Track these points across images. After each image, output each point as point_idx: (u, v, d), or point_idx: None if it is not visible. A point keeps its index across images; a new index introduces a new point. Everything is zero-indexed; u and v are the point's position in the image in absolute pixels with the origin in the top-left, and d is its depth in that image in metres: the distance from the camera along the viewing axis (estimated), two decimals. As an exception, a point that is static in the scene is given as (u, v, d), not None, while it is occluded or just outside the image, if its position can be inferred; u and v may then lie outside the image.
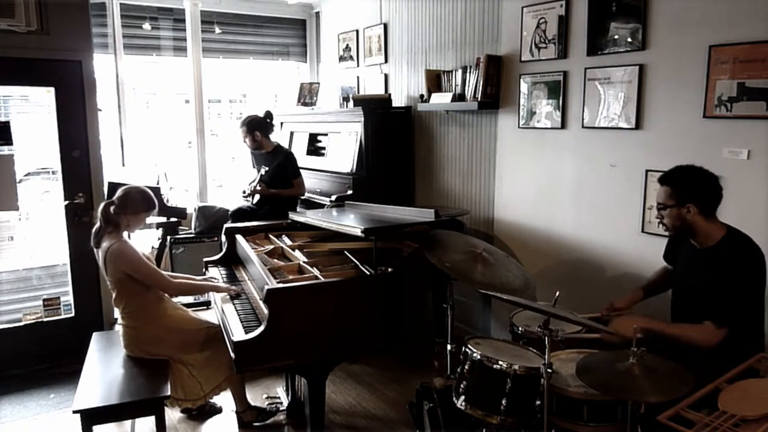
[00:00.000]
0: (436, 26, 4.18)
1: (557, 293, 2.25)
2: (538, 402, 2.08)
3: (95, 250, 2.88)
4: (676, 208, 2.20)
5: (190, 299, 4.29)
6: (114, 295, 2.85)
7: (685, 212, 2.19)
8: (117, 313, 2.91)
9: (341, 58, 5.29)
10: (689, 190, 2.19)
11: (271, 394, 3.40)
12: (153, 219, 4.13)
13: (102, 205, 2.85)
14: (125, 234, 2.89)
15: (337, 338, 2.51)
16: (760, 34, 2.43)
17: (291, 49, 5.86)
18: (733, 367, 1.94)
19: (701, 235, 2.23)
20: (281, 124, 5.45)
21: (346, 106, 4.64)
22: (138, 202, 2.86)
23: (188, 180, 5.36)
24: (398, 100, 4.60)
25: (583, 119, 3.20)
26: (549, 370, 2.00)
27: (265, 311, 2.40)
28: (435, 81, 4.10)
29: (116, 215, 2.81)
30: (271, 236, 3.38)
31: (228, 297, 2.90)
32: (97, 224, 2.86)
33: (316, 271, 2.70)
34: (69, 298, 3.94)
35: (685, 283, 2.33)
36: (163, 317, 2.88)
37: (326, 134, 4.88)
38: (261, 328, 2.36)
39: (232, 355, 2.37)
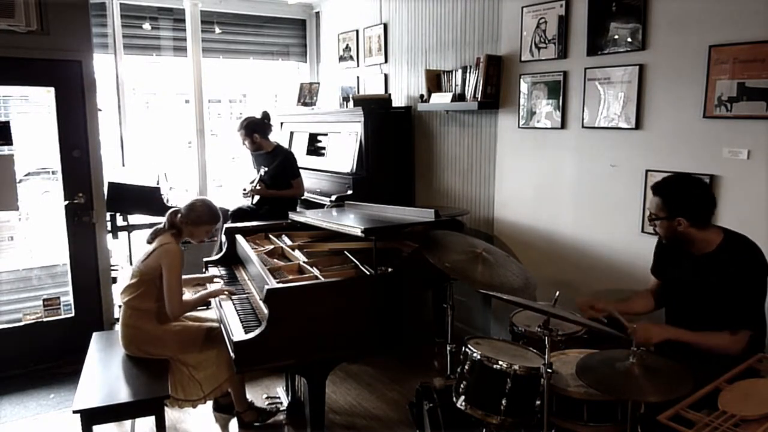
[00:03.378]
0: (436, 26, 4.18)
1: (557, 293, 2.25)
2: (538, 402, 2.08)
3: (147, 245, 2.94)
4: (666, 220, 2.18)
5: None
6: (130, 282, 2.86)
7: (675, 225, 2.16)
8: (117, 312, 2.91)
9: (341, 58, 5.29)
10: (678, 204, 2.15)
11: (271, 394, 3.40)
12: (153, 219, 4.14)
13: (170, 211, 2.96)
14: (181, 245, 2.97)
15: (337, 338, 2.51)
16: (760, 34, 2.43)
17: (291, 49, 5.86)
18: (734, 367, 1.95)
19: (697, 243, 2.21)
20: (281, 124, 5.45)
21: (346, 106, 4.64)
22: (202, 215, 2.94)
23: (188, 180, 5.35)
24: (398, 100, 4.60)
25: (583, 119, 3.20)
26: (549, 370, 2.00)
27: (265, 311, 2.40)
28: (435, 81, 4.10)
29: (181, 223, 2.92)
30: (271, 236, 3.38)
31: (226, 296, 2.91)
32: (160, 225, 2.96)
33: (316, 271, 2.70)
34: (69, 298, 3.94)
35: (686, 289, 2.28)
36: (163, 321, 2.88)
37: (326, 134, 4.88)
38: (261, 328, 2.36)
39: (232, 355, 2.38)
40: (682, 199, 2.16)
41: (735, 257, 2.14)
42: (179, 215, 2.93)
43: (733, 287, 2.09)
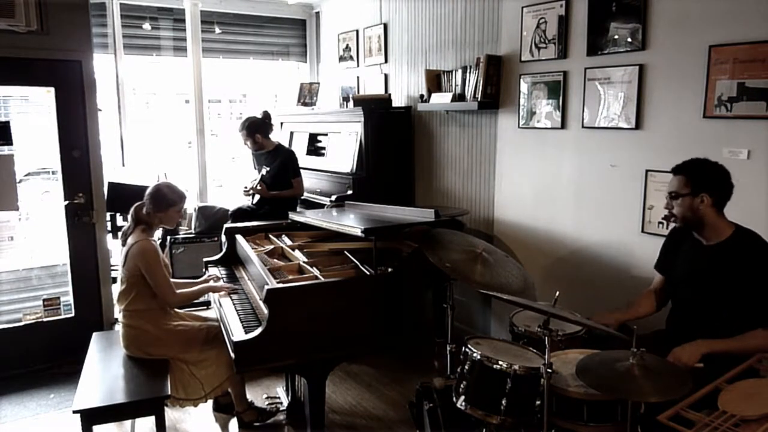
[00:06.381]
0: (436, 26, 4.18)
1: (557, 293, 2.25)
2: (538, 402, 2.07)
3: (121, 248, 2.92)
4: (689, 197, 2.20)
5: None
6: (121, 289, 2.86)
7: (698, 202, 2.19)
8: (117, 312, 2.92)
9: (341, 58, 5.29)
10: (705, 180, 2.19)
11: (271, 394, 3.40)
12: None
13: (133, 207, 2.92)
14: (156, 234, 2.95)
15: (337, 338, 2.51)
16: (760, 34, 2.43)
17: (291, 49, 5.86)
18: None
19: (709, 228, 2.22)
20: (281, 124, 5.45)
21: (346, 106, 4.64)
22: (168, 196, 2.93)
23: (188, 180, 5.35)
24: (398, 100, 4.60)
25: (583, 119, 3.20)
26: (549, 370, 1.99)
27: (265, 311, 2.40)
28: (435, 81, 4.10)
29: (149, 215, 2.89)
30: (271, 236, 3.38)
31: (225, 293, 2.91)
32: (126, 225, 2.94)
33: (316, 271, 2.70)
34: (69, 298, 3.94)
35: (694, 280, 2.29)
36: (164, 320, 2.89)
37: (326, 134, 4.88)
38: (261, 328, 2.36)
39: (232, 355, 2.37)
40: (706, 176, 2.20)
41: (750, 250, 2.15)
42: (144, 207, 2.90)
43: (754, 282, 2.10)
